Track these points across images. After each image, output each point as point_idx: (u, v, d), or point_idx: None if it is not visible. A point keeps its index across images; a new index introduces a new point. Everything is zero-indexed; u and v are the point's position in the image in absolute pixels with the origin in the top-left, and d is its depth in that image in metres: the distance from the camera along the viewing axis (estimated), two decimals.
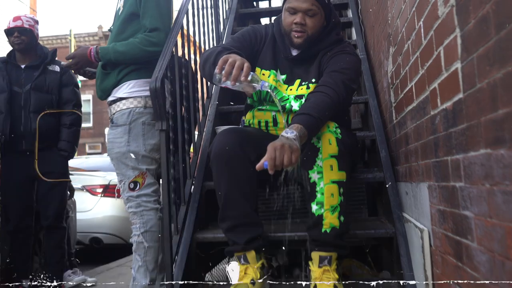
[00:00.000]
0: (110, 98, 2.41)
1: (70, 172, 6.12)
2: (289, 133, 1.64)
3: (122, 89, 2.36)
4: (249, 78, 1.67)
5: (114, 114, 2.38)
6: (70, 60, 2.44)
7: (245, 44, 2.04)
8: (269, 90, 1.81)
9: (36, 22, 3.32)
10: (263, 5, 4.68)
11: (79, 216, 5.55)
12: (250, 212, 1.95)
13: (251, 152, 1.93)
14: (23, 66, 3.24)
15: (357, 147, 2.20)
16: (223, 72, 1.67)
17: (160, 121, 2.03)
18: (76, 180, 6.07)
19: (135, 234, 2.32)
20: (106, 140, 2.39)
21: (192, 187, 2.44)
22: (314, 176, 1.84)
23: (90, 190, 5.76)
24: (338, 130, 1.88)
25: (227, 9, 3.79)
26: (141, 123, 2.31)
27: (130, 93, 2.34)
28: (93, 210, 5.66)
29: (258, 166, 1.58)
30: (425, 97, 1.61)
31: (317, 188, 1.83)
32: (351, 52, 2.04)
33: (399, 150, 2.23)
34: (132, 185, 2.32)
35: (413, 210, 1.95)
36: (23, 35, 3.20)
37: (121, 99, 2.35)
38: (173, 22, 2.45)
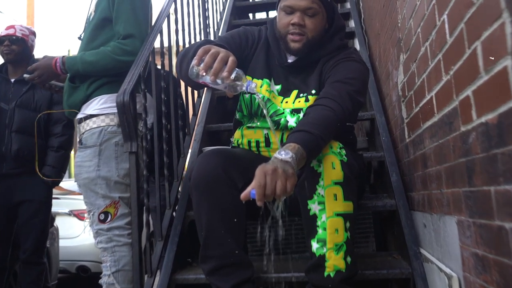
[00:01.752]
0: (79, 116, 2.09)
1: (57, 196, 5.76)
2: (284, 155, 1.31)
3: (92, 105, 2.04)
4: (232, 75, 1.35)
5: (83, 134, 2.05)
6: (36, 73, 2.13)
7: (233, 46, 1.72)
8: (258, 96, 1.49)
9: (32, 33, 2.98)
10: (260, 16, 4.34)
11: (65, 243, 5.19)
12: (237, 250, 1.61)
13: (238, 178, 1.60)
14: (13, 80, 2.91)
15: (365, 171, 1.86)
16: (202, 64, 1.35)
17: (129, 141, 1.69)
18: (63, 205, 5.72)
19: (105, 274, 1.96)
20: (74, 164, 2.03)
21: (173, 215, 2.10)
22: (314, 207, 1.50)
23: (78, 215, 5.41)
24: (343, 151, 1.54)
25: (218, 20, 3.48)
26: (114, 144, 1.98)
27: (102, 109, 2.02)
28: (80, 237, 5.30)
29: (243, 195, 1.25)
30: (451, 110, 1.28)
31: (318, 222, 1.49)
32: (358, 60, 1.72)
33: (413, 174, 1.89)
34: (102, 216, 1.98)
35: (434, 248, 1.60)
36: (14, 45, 2.87)
37: (91, 116, 2.03)
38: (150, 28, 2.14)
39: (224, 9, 3.71)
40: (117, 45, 2.00)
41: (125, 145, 1.75)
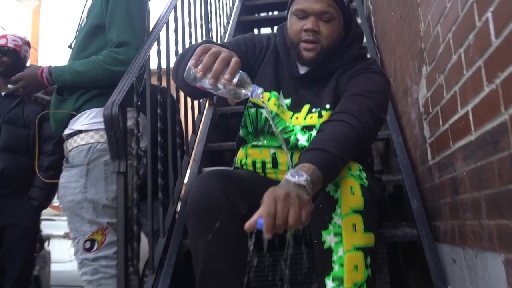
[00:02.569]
0: (66, 131, 1.88)
1: (52, 217, 5.49)
2: (297, 177, 1.10)
3: (81, 120, 1.84)
4: (235, 79, 1.14)
5: (70, 151, 1.85)
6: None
7: (238, 53, 1.52)
8: (264, 105, 1.28)
9: (26, 43, 2.78)
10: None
11: (59, 267, 4.96)
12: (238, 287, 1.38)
13: (241, 203, 1.39)
14: (3, 94, 2.69)
15: (385, 197, 1.64)
16: (200, 65, 1.15)
17: (118, 160, 1.48)
18: (58, 226, 5.51)
19: None
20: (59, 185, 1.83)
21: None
22: (329, 239, 1.28)
23: None
24: (363, 174, 1.33)
25: (222, 33, 3.31)
26: (103, 163, 1.77)
27: (91, 124, 1.82)
28: (75, 261, 5.07)
29: (248, 224, 1.03)
30: (497, 126, 1.07)
31: (334, 257, 1.27)
32: (378, 71, 1.53)
33: (439, 201, 1.67)
34: (88, 245, 1.76)
35: None
36: (5, 56, 2.66)
37: (79, 132, 1.83)
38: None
39: (228, 23, 3.54)
40: (110, 53, 1.81)
41: (112, 164, 1.54)
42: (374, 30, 3.15)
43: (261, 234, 1.03)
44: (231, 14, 3.64)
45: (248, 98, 1.59)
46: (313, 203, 1.25)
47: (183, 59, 1.36)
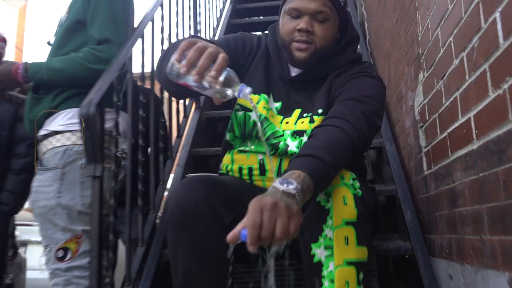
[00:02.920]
0: (41, 132, 1.78)
1: (29, 222, 5.33)
2: (286, 185, 1.02)
3: (58, 120, 1.74)
4: (222, 77, 1.06)
5: (44, 153, 1.75)
6: None
7: (227, 52, 1.44)
8: (253, 105, 1.20)
9: (2, 39, 2.65)
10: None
11: (35, 275, 4.80)
12: None
13: (225, 212, 1.31)
14: None
15: (379, 208, 1.56)
16: (184, 60, 1.07)
17: (94, 163, 1.39)
18: (36, 232, 5.34)
19: None
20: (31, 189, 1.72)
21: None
22: (319, 252, 1.20)
23: None
24: (357, 184, 1.25)
25: (211, 36, 3.24)
26: (80, 167, 1.68)
27: (68, 125, 1.72)
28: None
29: (230, 236, 0.95)
30: (504, 134, 1.00)
31: (325, 272, 1.19)
32: (374, 76, 1.46)
33: (434, 213, 1.60)
34: (60, 254, 1.66)
35: None
36: None
37: (55, 133, 1.73)
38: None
39: (218, 25, 3.47)
40: (90, 51, 1.72)
41: (87, 168, 1.44)
42: (368, 37, 3.11)
43: (245, 246, 0.94)
44: (221, 16, 3.57)
45: (236, 99, 1.54)
46: (303, 213, 1.20)
47: (167, 54, 1.28)
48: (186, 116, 2.42)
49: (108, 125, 1.68)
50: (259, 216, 0.93)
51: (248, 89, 1.10)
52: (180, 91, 1.28)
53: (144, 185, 1.75)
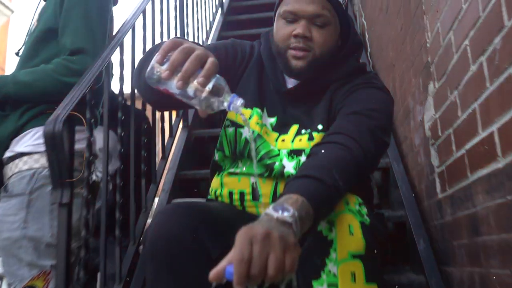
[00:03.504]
0: (7, 154, 1.67)
1: None
2: (281, 211, 0.90)
3: (25, 140, 1.64)
4: (210, 85, 0.96)
5: (10, 177, 1.63)
6: None
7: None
8: (243, 119, 1.09)
9: None
10: None
11: None
12: None
13: (212, 244, 1.18)
14: None
15: (388, 237, 1.44)
16: (167, 64, 0.96)
17: (60, 189, 1.27)
18: None
19: None
20: None
21: None
22: None
23: None
24: (364, 210, 1.14)
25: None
26: (49, 193, 1.55)
27: (36, 146, 1.61)
28: None
29: (213, 274, 0.82)
30: None
31: None
32: (381, 87, 1.36)
33: (451, 242, 1.48)
34: None
35: None
36: None
37: (22, 154, 1.63)
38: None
39: (207, 37, 3.39)
40: (62, 62, 1.63)
41: (53, 194, 1.32)
42: (369, 48, 3.03)
43: (231, 285, 0.82)
44: (211, 28, 3.50)
45: (226, 113, 1.43)
46: (301, 245, 1.08)
47: (149, 56, 1.17)
48: (172, 135, 2.31)
49: (80, 145, 1.57)
50: (248, 249, 0.81)
51: (239, 101, 0.99)
52: (162, 101, 1.19)
53: (123, 213, 1.62)
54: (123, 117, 1.71)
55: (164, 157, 2.16)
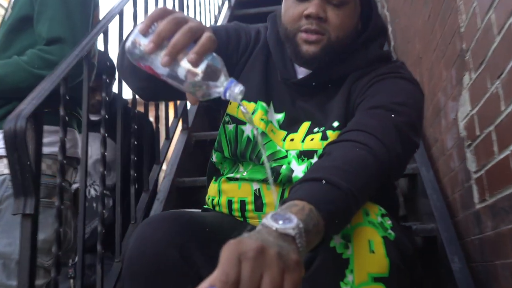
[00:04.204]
0: None
1: None
2: (282, 222, 0.78)
3: None
4: (203, 65, 0.84)
5: None
6: None
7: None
8: (243, 110, 0.96)
9: None
10: None
11: None
12: None
13: (202, 262, 1.09)
14: None
15: (417, 254, 1.31)
16: (153, 35, 0.85)
17: (23, 197, 1.16)
18: None
19: None
20: None
21: None
22: None
23: None
24: (388, 222, 1.02)
25: None
26: None
27: None
28: None
29: None
30: None
31: None
32: (409, 78, 1.25)
33: (493, 262, 1.36)
34: None
35: None
36: None
37: None
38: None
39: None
40: (37, 53, 1.57)
41: (15, 203, 1.21)
42: (392, 42, 2.98)
43: None
44: (215, 22, 3.40)
45: (225, 106, 1.34)
46: (310, 265, 0.97)
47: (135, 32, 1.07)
48: (168, 138, 2.24)
49: (52, 148, 1.52)
50: (235, 269, 0.68)
51: (238, 87, 0.87)
52: (149, 87, 1.11)
53: (106, 225, 1.51)
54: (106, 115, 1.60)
55: (159, 162, 2.09)
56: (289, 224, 0.77)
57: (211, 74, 0.86)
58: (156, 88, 1.08)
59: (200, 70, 0.84)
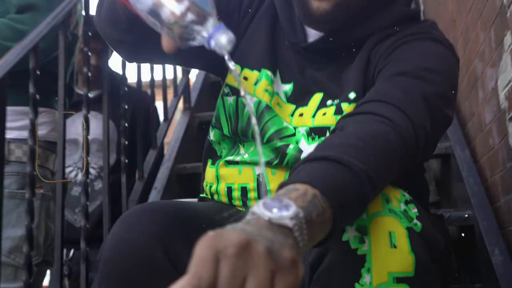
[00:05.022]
0: None
1: None
2: (276, 210, 0.70)
3: None
4: (186, 2, 0.80)
5: None
6: None
7: (216, 4, 1.22)
8: (233, 69, 0.89)
9: None
10: None
11: None
12: None
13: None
14: None
15: (450, 247, 1.25)
16: None
17: None
18: None
19: None
20: None
21: None
22: None
23: None
24: (413, 210, 0.95)
25: None
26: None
27: None
28: None
29: None
30: None
31: None
32: (442, 39, 1.20)
33: None
34: None
35: None
36: None
37: None
38: None
39: None
40: (7, 22, 1.58)
41: None
42: (421, 6, 3.00)
43: None
44: None
45: (224, 75, 1.30)
46: (320, 262, 0.92)
47: None
48: (167, 119, 2.24)
49: (43, 131, 1.57)
50: (211, 270, 0.60)
51: (225, 36, 0.80)
52: (128, 40, 1.12)
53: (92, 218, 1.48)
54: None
55: (156, 147, 2.10)
56: (286, 213, 0.68)
57: (197, 16, 0.81)
58: (137, 44, 1.09)
59: (184, 6, 0.80)
